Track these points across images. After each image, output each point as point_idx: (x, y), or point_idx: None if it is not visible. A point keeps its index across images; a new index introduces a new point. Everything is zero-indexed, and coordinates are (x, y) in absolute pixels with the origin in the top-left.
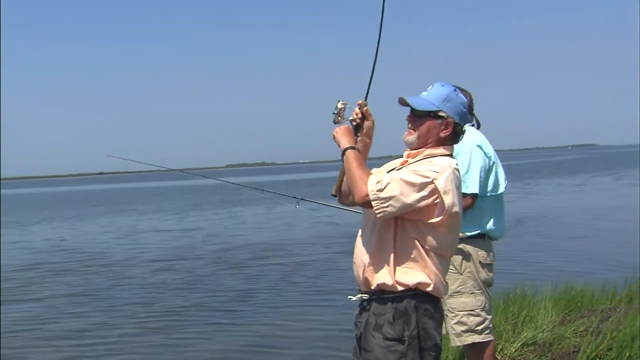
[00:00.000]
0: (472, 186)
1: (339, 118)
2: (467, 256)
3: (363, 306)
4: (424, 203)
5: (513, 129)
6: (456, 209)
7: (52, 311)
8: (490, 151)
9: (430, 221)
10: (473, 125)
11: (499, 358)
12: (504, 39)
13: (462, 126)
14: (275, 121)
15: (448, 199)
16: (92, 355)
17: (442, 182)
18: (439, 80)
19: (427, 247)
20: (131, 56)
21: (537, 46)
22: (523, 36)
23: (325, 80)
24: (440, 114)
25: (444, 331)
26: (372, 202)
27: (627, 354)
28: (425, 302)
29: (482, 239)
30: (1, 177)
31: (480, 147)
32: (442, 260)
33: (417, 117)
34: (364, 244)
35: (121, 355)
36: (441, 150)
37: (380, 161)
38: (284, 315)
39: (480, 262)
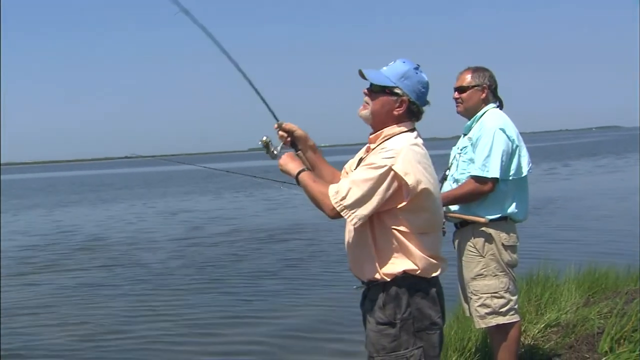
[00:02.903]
0: (493, 170)
1: (274, 152)
2: (489, 239)
3: (364, 295)
4: (389, 193)
5: (537, 112)
6: (422, 185)
7: (109, 281)
8: (514, 134)
9: (401, 206)
10: (497, 106)
11: (521, 339)
12: (529, 23)
13: (418, 106)
14: (296, 105)
15: (411, 179)
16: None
17: (400, 165)
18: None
19: (406, 230)
20: (153, 41)
21: (561, 29)
22: (548, 20)
23: (343, 63)
24: (396, 90)
25: (467, 313)
26: (341, 213)
27: None
28: (417, 283)
29: (504, 221)
30: (18, 162)
31: (503, 130)
32: (427, 238)
33: (373, 91)
34: (348, 241)
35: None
36: (398, 128)
37: (356, 147)
38: (306, 297)
39: (502, 244)
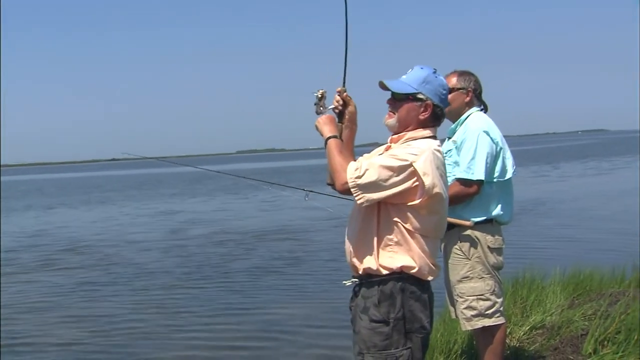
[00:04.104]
0: (477, 173)
1: (321, 108)
2: (474, 242)
3: (355, 291)
4: (403, 186)
5: (523, 115)
6: (437, 189)
7: (108, 279)
8: (498, 136)
9: (412, 203)
10: (481, 109)
11: (507, 341)
12: (516, 25)
13: (442, 108)
14: (285, 107)
15: (428, 180)
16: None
17: (421, 164)
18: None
19: (411, 229)
20: (143, 43)
21: (547, 32)
22: (535, 22)
23: (337, 65)
24: (419, 96)
25: (453, 316)
26: (352, 190)
27: (635, 337)
28: (411, 284)
29: (489, 224)
30: (17, 163)
31: (487, 133)
32: (429, 241)
33: (397, 100)
34: (351, 230)
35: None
36: (422, 132)
37: (365, 149)
38: (294, 297)
39: (488, 246)
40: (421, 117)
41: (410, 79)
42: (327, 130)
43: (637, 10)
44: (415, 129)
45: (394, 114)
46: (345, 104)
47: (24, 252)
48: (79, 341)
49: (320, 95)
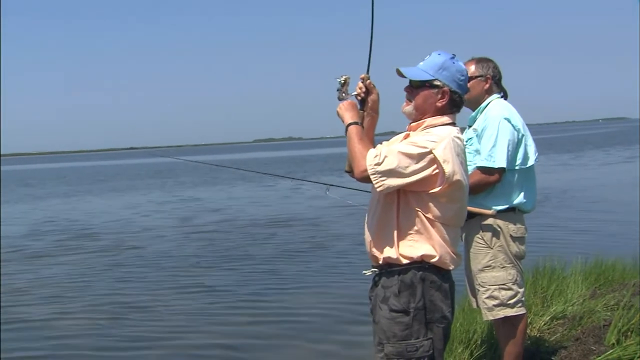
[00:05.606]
0: (499, 160)
1: (343, 94)
2: (496, 231)
3: (375, 280)
4: (423, 174)
5: (542, 103)
6: (457, 177)
7: (137, 262)
8: (519, 123)
9: (432, 191)
10: (501, 96)
11: (527, 331)
12: (535, 13)
13: (460, 94)
14: (303, 96)
15: (448, 168)
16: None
17: (441, 151)
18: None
19: (431, 217)
20: (159, 32)
21: (567, 20)
22: (554, 9)
23: (352, 54)
24: (436, 83)
25: (474, 306)
26: (371, 177)
27: None
28: (431, 274)
29: (512, 212)
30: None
31: (508, 119)
32: (449, 230)
33: (414, 87)
34: (370, 220)
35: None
36: (441, 119)
37: (382, 138)
38: (313, 286)
39: (511, 235)
40: (438, 104)
41: (426, 66)
42: (349, 116)
43: (637, 10)
44: (434, 116)
45: (411, 101)
46: (368, 91)
47: (48, 237)
48: (120, 317)
49: (343, 81)
